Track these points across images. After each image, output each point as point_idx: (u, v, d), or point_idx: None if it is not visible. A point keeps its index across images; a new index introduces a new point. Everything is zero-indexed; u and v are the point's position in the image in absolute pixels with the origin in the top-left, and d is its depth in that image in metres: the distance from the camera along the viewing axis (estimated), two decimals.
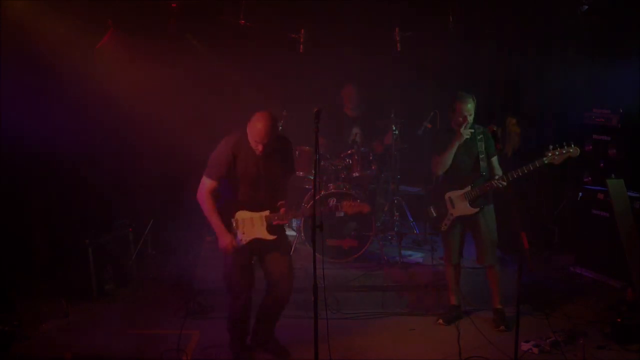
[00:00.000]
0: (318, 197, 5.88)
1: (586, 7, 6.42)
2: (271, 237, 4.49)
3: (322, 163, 6.43)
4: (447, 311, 5.44)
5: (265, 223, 4.48)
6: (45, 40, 5.89)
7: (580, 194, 6.45)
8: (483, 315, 5.44)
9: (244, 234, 4.49)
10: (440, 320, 5.37)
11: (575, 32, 6.74)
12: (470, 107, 5.04)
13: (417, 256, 6.53)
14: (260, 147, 4.33)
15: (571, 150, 4.79)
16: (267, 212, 4.48)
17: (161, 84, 6.56)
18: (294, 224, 7.03)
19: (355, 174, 6.55)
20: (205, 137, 6.90)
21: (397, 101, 7.23)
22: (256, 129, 4.30)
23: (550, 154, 4.80)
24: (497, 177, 4.98)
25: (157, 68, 6.45)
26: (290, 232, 6.94)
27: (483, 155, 5.08)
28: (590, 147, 6.48)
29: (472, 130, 5.06)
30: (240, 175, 4.44)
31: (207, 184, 4.44)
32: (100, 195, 6.55)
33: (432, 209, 5.29)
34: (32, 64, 5.93)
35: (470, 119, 5.07)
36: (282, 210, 4.47)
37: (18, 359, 4.75)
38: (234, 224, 4.49)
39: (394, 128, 6.73)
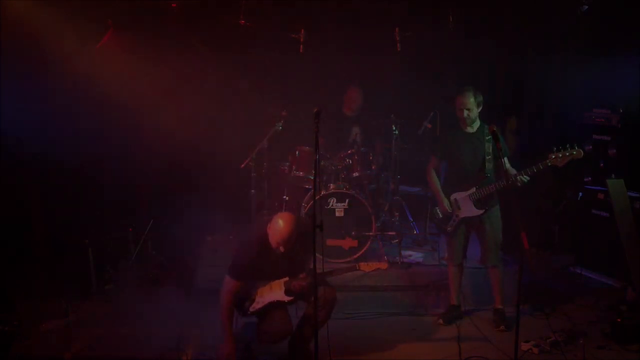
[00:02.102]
0: (318, 197, 5.88)
1: (586, 7, 6.42)
2: (288, 299, 4.55)
3: (322, 163, 6.43)
4: (447, 311, 5.43)
5: (283, 288, 4.55)
6: (46, 40, 5.89)
7: (580, 194, 6.45)
8: (483, 315, 5.44)
9: (261, 297, 4.55)
10: (440, 320, 5.36)
11: (575, 32, 6.74)
12: (471, 101, 4.99)
13: (417, 256, 6.53)
14: (281, 249, 4.37)
15: (574, 152, 4.75)
16: (286, 279, 4.56)
17: (161, 84, 6.56)
18: None
19: (355, 174, 6.55)
20: (206, 136, 6.96)
21: (397, 101, 7.24)
22: (277, 230, 4.33)
23: (553, 156, 4.77)
24: (514, 174, 4.90)
25: (157, 68, 6.45)
26: None
27: (490, 157, 5.04)
28: (590, 147, 6.47)
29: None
30: (261, 272, 4.50)
31: (231, 285, 4.44)
32: (100, 195, 6.55)
33: (438, 210, 5.28)
34: (32, 64, 5.93)
35: (472, 114, 5.03)
36: (302, 275, 4.55)
37: (18, 359, 4.74)
38: (256, 292, 4.57)
39: (394, 128, 6.73)
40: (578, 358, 4.62)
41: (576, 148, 4.75)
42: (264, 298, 4.53)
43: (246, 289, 4.52)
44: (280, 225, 4.31)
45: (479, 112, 5.12)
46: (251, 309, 4.51)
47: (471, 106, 5.00)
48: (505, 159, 5.05)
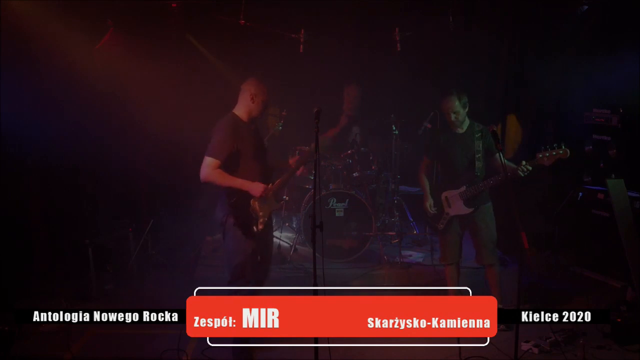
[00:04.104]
0: (318, 197, 5.89)
1: (586, 7, 6.42)
2: (279, 205, 4.79)
3: (322, 163, 6.44)
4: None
5: (272, 196, 4.62)
6: (46, 40, 5.89)
7: (580, 194, 6.45)
8: None
9: (262, 213, 4.57)
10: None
11: (575, 32, 6.75)
12: (456, 104, 4.98)
13: (417, 256, 6.53)
14: (263, 109, 4.63)
15: (560, 152, 4.72)
16: (269, 185, 4.61)
17: (161, 84, 6.57)
18: (294, 223, 7.04)
19: (355, 174, 6.56)
20: (205, 136, 6.96)
21: (397, 101, 7.24)
22: (263, 89, 4.59)
23: (540, 155, 4.77)
24: (514, 167, 4.88)
25: (157, 68, 6.45)
26: (290, 234, 6.96)
27: (479, 155, 5.05)
28: (590, 147, 6.47)
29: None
30: (242, 152, 4.52)
31: (211, 163, 4.45)
32: (100, 195, 6.55)
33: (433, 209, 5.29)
34: (32, 64, 5.93)
35: (460, 116, 5.02)
36: (278, 181, 4.66)
37: (18, 359, 4.75)
38: (256, 207, 4.55)
39: (394, 128, 6.74)
40: (578, 358, 4.62)
41: (563, 148, 4.72)
42: (265, 213, 4.60)
43: (242, 201, 4.52)
44: (260, 83, 4.60)
45: (467, 112, 5.10)
46: (260, 227, 4.58)
47: (457, 109, 5.00)
48: (499, 154, 5.05)
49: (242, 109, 4.61)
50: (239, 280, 4.59)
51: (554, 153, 4.75)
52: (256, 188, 4.50)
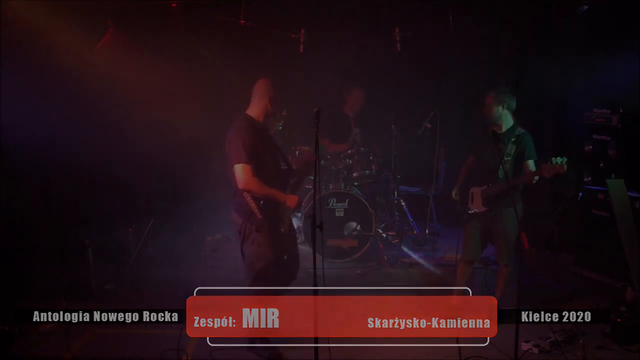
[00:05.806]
0: (318, 197, 5.89)
1: (586, 7, 6.42)
2: (299, 210, 4.81)
3: (322, 163, 6.44)
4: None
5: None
6: (45, 40, 5.89)
7: (580, 194, 6.45)
8: None
9: (284, 218, 4.58)
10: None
11: (575, 32, 6.75)
12: (491, 100, 5.05)
13: (417, 256, 6.53)
14: (275, 110, 4.56)
15: (558, 166, 4.65)
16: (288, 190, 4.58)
17: (161, 84, 6.57)
18: (294, 223, 7.03)
19: (355, 174, 6.56)
20: (205, 136, 6.97)
21: (397, 101, 7.24)
22: (274, 90, 4.51)
23: (542, 166, 4.74)
24: (529, 172, 4.96)
25: (157, 69, 6.45)
26: None
27: (508, 159, 5.03)
28: (590, 147, 6.48)
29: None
30: (262, 153, 4.43)
31: (246, 169, 4.33)
32: (100, 195, 6.55)
33: (458, 199, 5.33)
34: (31, 64, 5.93)
35: (491, 112, 5.05)
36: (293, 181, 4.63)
37: (18, 359, 4.74)
38: (280, 210, 4.55)
39: (393, 128, 6.74)
40: (578, 358, 4.62)
41: (562, 163, 4.67)
42: (287, 217, 4.65)
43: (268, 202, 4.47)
44: (268, 82, 4.53)
45: (505, 112, 5.09)
46: (283, 230, 4.59)
47: (491, 105, 5.03)
48: (531, 162, 5.05)
49: (255, 110, 4.50)
50: (260, 283, 4.54)
51: (553, 167, 4.66)
52: (292, 200, 4.46)
